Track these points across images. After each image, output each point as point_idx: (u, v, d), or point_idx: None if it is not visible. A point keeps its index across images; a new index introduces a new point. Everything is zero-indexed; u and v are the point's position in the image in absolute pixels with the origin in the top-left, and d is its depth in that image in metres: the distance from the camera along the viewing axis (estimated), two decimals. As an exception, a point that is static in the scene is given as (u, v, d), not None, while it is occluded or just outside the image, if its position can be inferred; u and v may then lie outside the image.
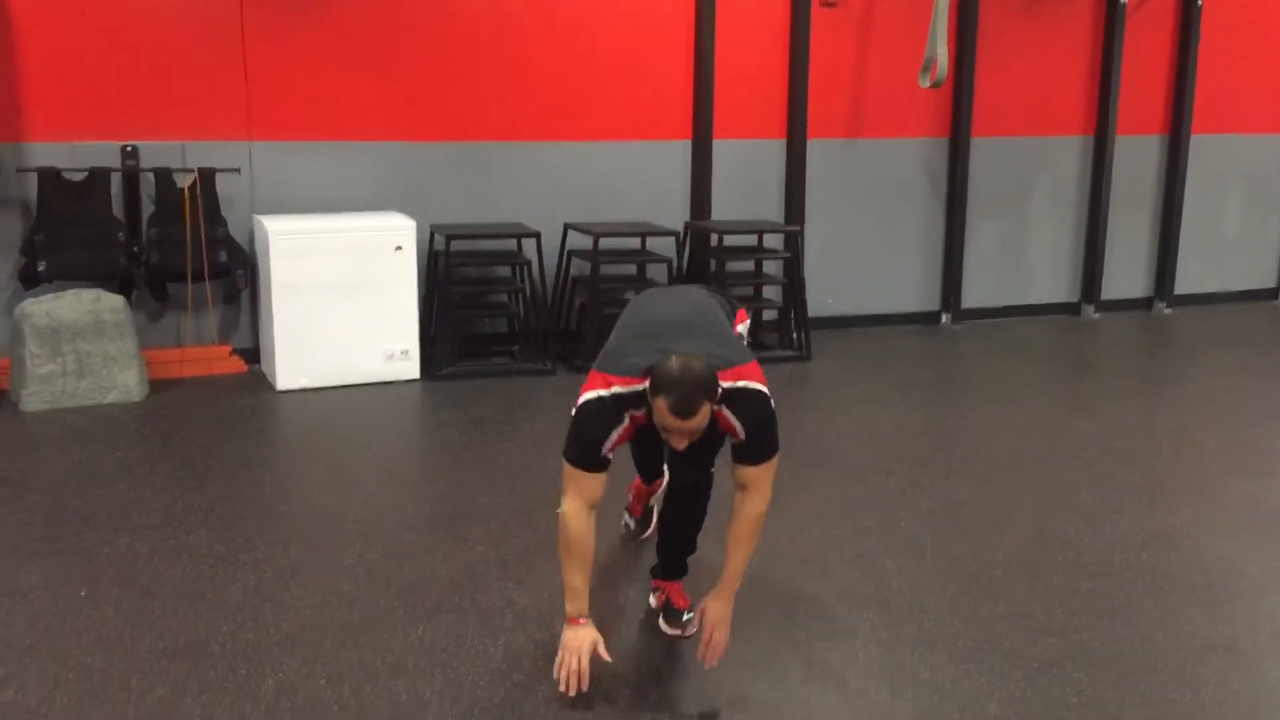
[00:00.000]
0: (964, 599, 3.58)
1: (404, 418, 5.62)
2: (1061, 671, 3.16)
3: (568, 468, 2.96)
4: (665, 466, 3.52)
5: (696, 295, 3.34)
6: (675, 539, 3.44)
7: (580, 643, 2.91)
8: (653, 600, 3.47)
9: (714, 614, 3.00)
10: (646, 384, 2.83)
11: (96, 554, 3.79)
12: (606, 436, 2.91)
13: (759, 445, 2.96)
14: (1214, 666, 3.21)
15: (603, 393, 2.91)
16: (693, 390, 2.76)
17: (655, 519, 3.71)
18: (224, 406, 5.50)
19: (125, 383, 5.48)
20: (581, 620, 2.94)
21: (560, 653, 2.93)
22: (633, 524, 3.97)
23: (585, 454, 2.92)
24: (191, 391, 5.71)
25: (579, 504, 2.93)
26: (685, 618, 3.32)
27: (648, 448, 3.52)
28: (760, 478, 2.98)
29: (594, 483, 2.94)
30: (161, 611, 3.40)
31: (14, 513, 4.14)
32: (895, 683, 3.09)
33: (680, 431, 2.82)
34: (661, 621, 3.38)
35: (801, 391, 6.14)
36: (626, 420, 2.92)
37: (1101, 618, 3.48)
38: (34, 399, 5.31)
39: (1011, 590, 3.66)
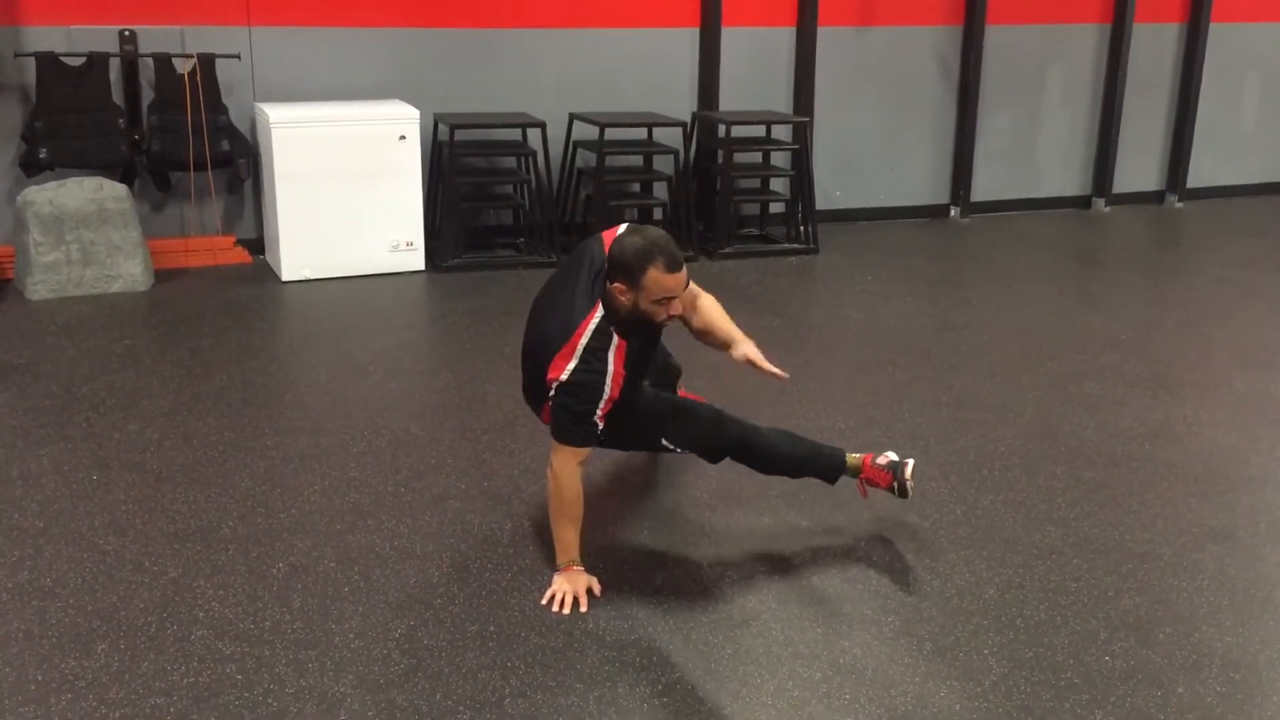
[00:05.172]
0: (966, 488, 3.62)
1: (409, 309, 5.61)
2: (1061, 558, 3.19)
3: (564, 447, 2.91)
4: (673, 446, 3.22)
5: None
6: (791, 467, 3.27)
7: (576, 582, 2.94)
8: (866, 489, 3.29)
9: (746, 352, 3.06)
10: (602, 310, 2.83)
11: (106, 440, 3.83)
12: (600, 395, 2.84)
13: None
14: (1212, 554, 3.24)
15: (577, 353, 2.83)
16: (668, 241, 2.82)
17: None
18: (229, 297, 5.50)
19: (130, 272, 5.47)
20: (574, 568, 2.97)
21: (554, 586, 2.94)
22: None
23: (584, 431, 2.88)
24: (197, 281, 5.70)
25: (573, 465, 2.91)
26: (902, 468, 3.22)
27: (626, 429, 3.07)
28: (694, 289, 3.06)
29: (588, 449, 2.94)
30: (172, 496, 3.44)
31: (24, 399, 4.16)
32: (895, 569, 3.13)
33: (678, 288, 2.82)
34: (900, 494, 3.25)
35: (808, 284, 6.12)
36: (614, 346, 2.84)
37: (1102, 507, 3.52)
38: (39, 287, 5.31)
39: (1013, 480, 3.69)
